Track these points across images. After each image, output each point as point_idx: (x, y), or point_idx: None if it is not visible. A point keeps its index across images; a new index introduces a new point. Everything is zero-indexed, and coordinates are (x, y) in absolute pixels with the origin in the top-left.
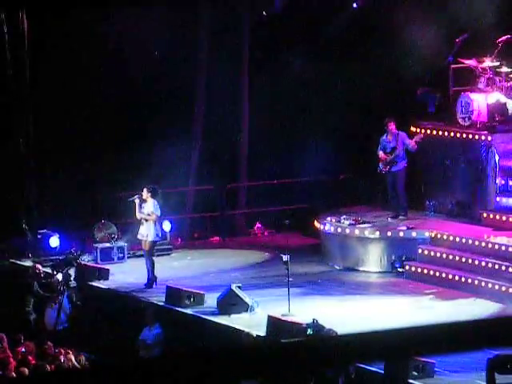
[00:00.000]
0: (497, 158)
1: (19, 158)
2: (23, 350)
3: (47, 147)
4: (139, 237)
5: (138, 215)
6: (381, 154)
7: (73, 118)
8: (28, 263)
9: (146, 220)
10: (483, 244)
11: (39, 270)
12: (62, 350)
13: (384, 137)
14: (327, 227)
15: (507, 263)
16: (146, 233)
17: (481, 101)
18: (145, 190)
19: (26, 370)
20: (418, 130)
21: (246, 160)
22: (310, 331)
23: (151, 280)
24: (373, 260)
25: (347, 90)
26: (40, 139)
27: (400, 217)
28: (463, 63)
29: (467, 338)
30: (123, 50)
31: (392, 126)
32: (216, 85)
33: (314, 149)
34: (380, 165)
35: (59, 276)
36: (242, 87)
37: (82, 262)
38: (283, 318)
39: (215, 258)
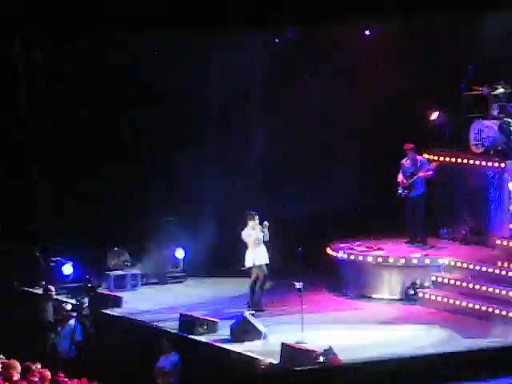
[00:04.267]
0: (510, 184)
1: (32, 185)
2: (37, 378)
3: (61, 174)
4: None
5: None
6: (400, 177)
7: (87, 146)
8: (41, 291)
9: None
10: (497, 271)
11: (51, 291)
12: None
13: (404, 161)
14: (340, 254)
15: None
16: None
17: (494, 127)
18: (254, 217)
19: None
20: (432, 157)
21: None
22: (322, 359)
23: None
24: (386, 287)
25: (360, 115)
26: (53, 166)
27: (418, 244)
28: (476, 90)
29: (483, 366)
30: (141, 78)
31: (411, 151)
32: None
33: (330, 176)
34: (399, 189)
35: (69, 304)
36: (256, 116)
37: (98, 291)
38: (297, 346)
39: (228, 285)
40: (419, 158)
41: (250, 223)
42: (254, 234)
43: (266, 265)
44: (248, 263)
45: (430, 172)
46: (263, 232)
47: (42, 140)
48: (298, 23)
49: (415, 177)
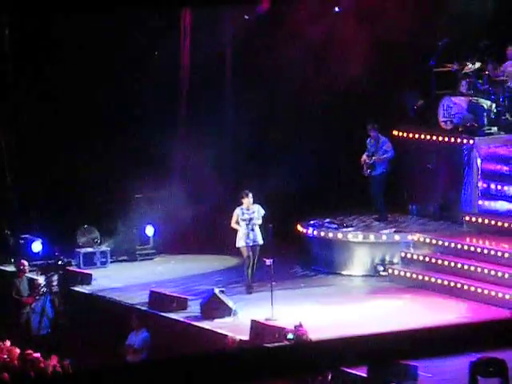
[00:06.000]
0: (479, 161)
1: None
2: (5, 356)
3: (29, 151)
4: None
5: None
6: (363, 156)
7: (57, 122)
8: (11, 268)
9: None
10: (465, 247)
11: (24, 265)
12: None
13: (368, 140)
14: (310, 231)
15: (489, 266)
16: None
17: (463, 104)
18: (248, 196)
19: (7, 375)
20: (400, 134)
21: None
22: (291, 335)
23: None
24: (356, 264)
25: (326, 91)
26: (22, 142)
27: (375, 222)
28: (445, 67)
29: (450, 341)
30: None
31: (373, 131)
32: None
33: (297, 153)
34: (363, 168)
35: (41, 279)
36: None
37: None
38: (266, 323)
39: (199, 262)
40: (382, 137)
41: (244, 202)
42: (240, 213)
43: (256, 246)
44: (237, 243)
45: (385, 155)
46: (259, 212)
47: (10, 113)
48: None
49: (373, 158)
